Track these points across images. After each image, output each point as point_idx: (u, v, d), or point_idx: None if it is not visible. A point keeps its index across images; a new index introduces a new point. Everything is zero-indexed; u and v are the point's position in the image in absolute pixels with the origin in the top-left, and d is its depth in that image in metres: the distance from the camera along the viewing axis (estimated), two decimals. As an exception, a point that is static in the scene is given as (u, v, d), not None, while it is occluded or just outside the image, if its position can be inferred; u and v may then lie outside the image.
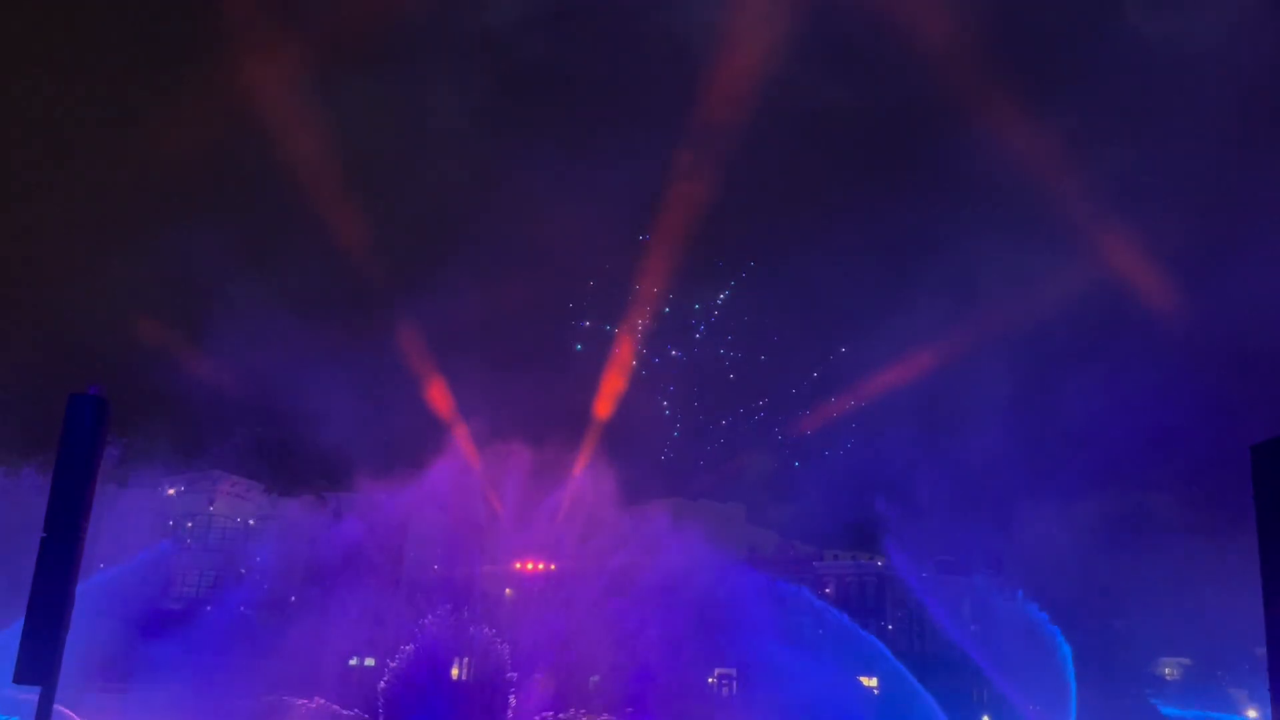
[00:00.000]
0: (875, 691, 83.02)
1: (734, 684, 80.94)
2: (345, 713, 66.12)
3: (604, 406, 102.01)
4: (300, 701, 63.64)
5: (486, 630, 73.18)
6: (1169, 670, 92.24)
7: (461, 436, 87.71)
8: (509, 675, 71.40)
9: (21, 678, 18.26)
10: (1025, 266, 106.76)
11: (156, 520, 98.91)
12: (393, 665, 71.39)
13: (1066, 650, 62.28)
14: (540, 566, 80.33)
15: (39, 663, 18.11)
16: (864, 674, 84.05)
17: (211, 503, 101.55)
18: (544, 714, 69.44)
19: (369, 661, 75.96)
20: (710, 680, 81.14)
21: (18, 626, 18.31)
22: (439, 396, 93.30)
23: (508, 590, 80.00)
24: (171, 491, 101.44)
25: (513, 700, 70.39)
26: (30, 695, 18.78)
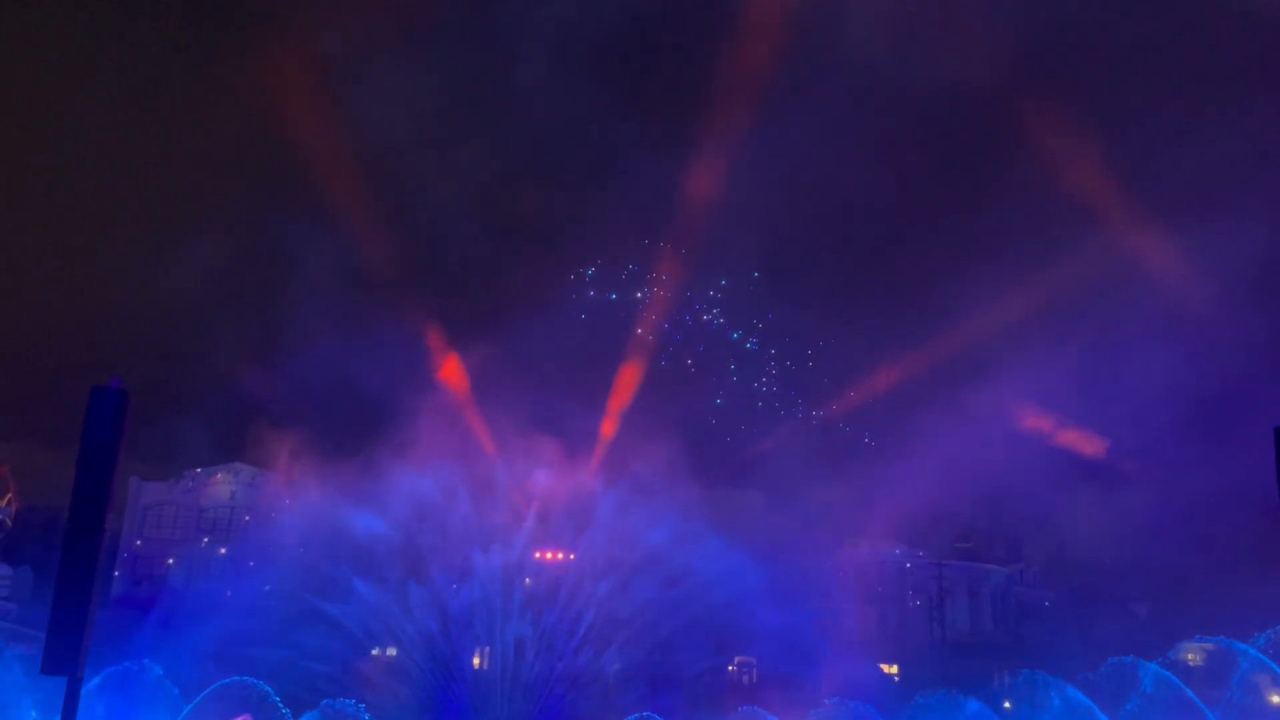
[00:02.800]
0: (896, 679, 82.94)
1: (754, 672, 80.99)
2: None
3: (624, 390, 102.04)
4: None
5: (509, 620, 73.53)
6: (1191, 656, 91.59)
7: (481, 427, 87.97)
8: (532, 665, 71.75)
9: (49, 669, 18.37)
10: (1062, 255, 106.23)
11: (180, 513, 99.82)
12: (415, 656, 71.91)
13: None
14: (560, 556, 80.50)
15: (65, 654, 18.23)
16: (885, 662, 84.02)
17: (233, 494, 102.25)
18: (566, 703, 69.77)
19: (391, 651, 76.41)
20: (731, 668, 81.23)
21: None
22: (459, 384, 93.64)
23: (527, 580, 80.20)
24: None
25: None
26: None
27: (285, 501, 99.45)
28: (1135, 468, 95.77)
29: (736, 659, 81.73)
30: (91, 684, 50.84)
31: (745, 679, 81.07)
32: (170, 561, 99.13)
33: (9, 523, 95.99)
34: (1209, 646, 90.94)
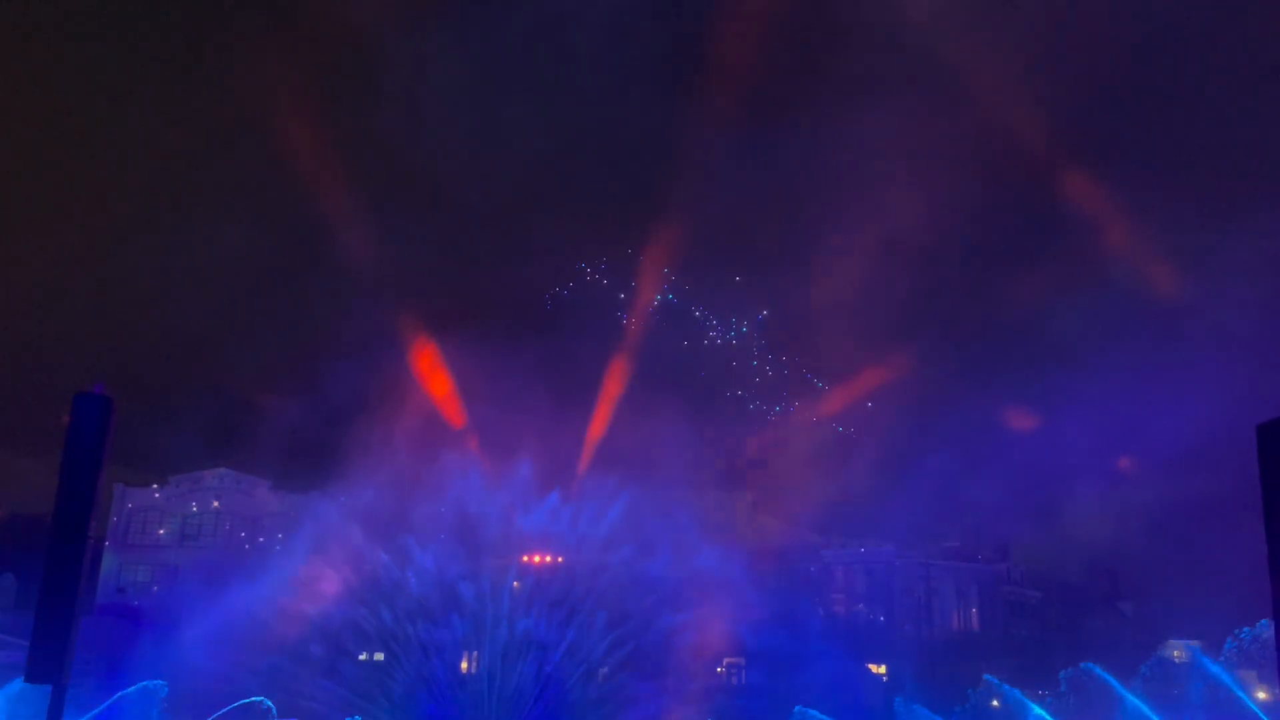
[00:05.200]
0: (884, 678, 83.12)
1: (743, 672, 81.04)
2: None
3: (610, 392, 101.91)
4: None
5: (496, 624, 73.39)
6: (1177, 653, 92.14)
7: (467, 427, 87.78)
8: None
9: (33, 677, 18.23)
10: (1041, 259, 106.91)
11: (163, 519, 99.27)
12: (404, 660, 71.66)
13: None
14: (547, 559, 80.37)
15: (49, 662, 18.09)
16: (873, 661, 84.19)
17: (219, 500, 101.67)
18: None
19: (378, 656, 76.13)
20: (719, 670, 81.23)
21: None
22: (444, 382, 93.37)
23: (515, 583, 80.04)
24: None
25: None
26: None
27: (271, 507, 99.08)
28: (1124, 467, 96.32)
29: (725, 660, 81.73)
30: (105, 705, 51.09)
31: (733, 680, 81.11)
32: (155, 568, 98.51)
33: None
34: (1194, 643, 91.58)
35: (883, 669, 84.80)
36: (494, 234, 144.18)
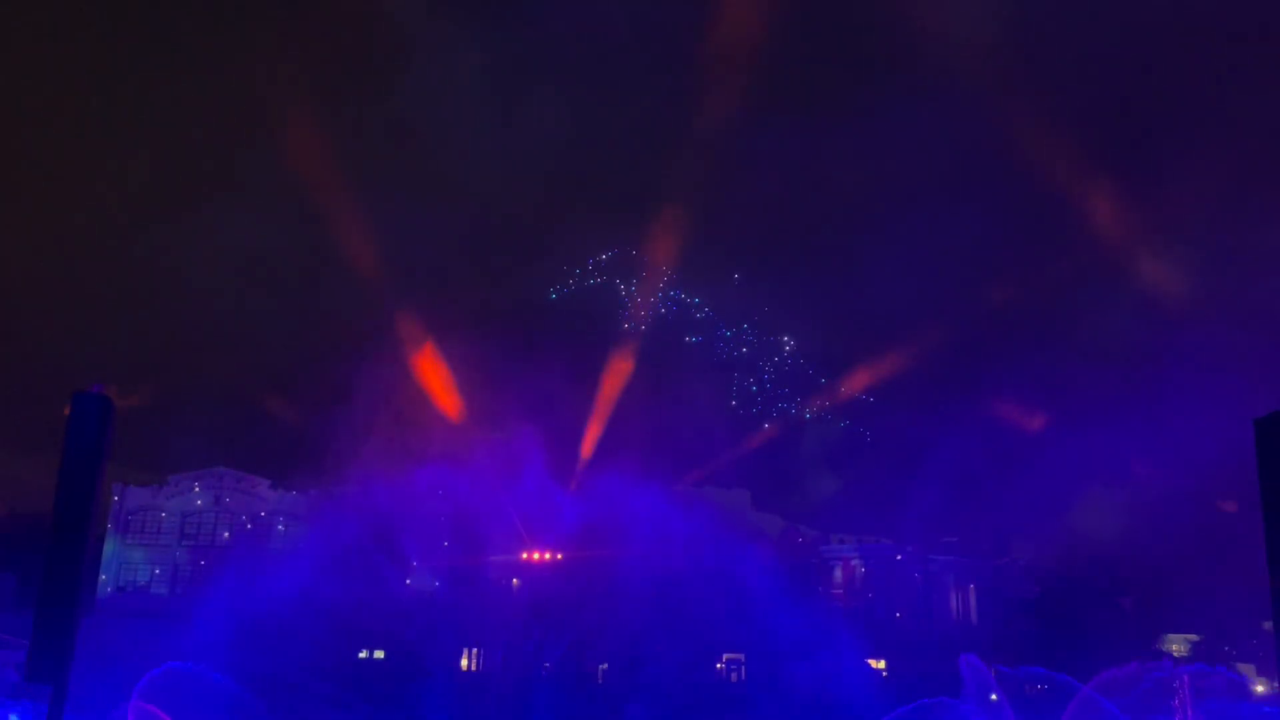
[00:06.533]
0: (884, 674, 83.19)
1: (743, 669, 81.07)
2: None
3: (611, 389, 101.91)
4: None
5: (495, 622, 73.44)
6: (1177, 647, 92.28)
7: (468, 425, 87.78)
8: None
9: (33, 677, 18.24)
10: (1048, 258, 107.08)
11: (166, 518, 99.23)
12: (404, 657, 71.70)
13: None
14: (548, 557, 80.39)
15: (49, 662, 18.10)
16: (872, 657, 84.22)
17: (218, 499, 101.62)
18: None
19: (378, 654, 76.16)
20: (719, 666, 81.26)
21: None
22: (445, 380, 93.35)
23: (515, 580, 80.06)
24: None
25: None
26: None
27: (272, 505, 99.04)
28: (1122, 462, 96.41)
29: (725, 656, 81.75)
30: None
31: (733, 676, 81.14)
32: (155, 567, 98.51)
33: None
34: (1193, 637, 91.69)
35: (881, 664, 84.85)
36: (497, 231, 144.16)
